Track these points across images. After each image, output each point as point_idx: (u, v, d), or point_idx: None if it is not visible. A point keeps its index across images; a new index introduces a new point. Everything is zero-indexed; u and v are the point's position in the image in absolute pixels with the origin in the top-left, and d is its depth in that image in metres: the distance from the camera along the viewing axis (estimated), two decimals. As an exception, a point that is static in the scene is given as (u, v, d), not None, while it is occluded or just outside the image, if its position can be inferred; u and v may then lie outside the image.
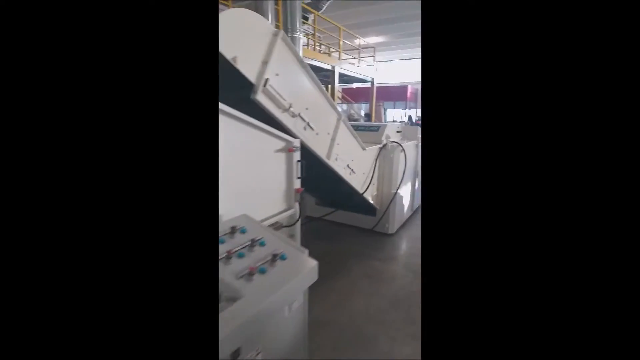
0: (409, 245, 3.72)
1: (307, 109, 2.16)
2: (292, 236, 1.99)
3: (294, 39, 5.76)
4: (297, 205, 1.96)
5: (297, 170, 1.92)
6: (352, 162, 3.02)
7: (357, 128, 3.87)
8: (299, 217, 1.98)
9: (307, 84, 2.18)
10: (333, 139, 2.61)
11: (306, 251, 1.24)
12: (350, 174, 3.03)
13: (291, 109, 1.95)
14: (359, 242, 3.68)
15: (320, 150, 2.45)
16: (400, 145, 3.64)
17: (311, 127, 2.23)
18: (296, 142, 1.88)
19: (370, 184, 3.47)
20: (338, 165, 2.76)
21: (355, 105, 13.54)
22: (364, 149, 3.21)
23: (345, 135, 2.80)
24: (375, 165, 3.56)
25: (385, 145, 3.64)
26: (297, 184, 1.95)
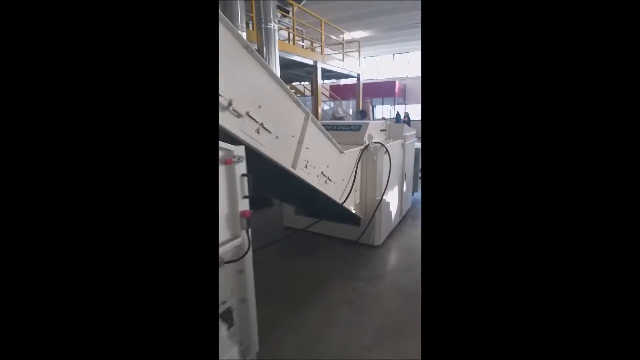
0: (397, 259, 3.30)
1: (259, 106, 1.71)
2: (240, 272, 1.54)
3: (268, 31, 5.28)
4: (244, 233, 1.50)
5: (242, 187, 1.47)
6: (328, 169, 2.58)
7: (335, 128, 3.44)
8: (249, 248, 1.52)
9: (258, 76, 1.72)
10: (300, 143, 2.16)
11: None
12: (326, 182, 2.58)
13: (232, 107, 1.49)
14: (341, 258, 3.24)
15: (282, 157, 2.00)
16: (383, 146, 3.21)
17: (267, 129, 1.78)
18: (238, 150, 1.43)
19: (351, 191, 3.03)
20: (309, 174, 2.31)
21: (344, 103, 13.06)
22: (341, 152, 2.76)
23: (316, 137, 2.35)
24: (356, 170, 3.12)
25: (367, 146, 3.21)
26: (245, 205, 1.50)
